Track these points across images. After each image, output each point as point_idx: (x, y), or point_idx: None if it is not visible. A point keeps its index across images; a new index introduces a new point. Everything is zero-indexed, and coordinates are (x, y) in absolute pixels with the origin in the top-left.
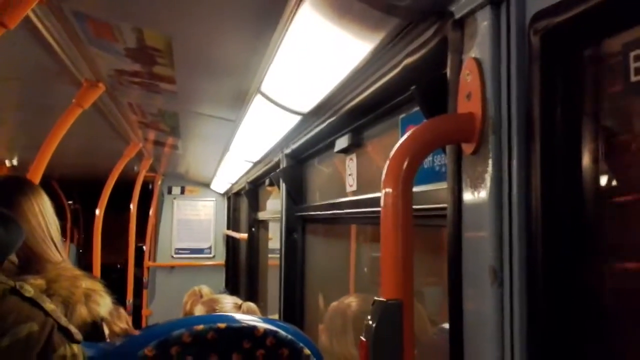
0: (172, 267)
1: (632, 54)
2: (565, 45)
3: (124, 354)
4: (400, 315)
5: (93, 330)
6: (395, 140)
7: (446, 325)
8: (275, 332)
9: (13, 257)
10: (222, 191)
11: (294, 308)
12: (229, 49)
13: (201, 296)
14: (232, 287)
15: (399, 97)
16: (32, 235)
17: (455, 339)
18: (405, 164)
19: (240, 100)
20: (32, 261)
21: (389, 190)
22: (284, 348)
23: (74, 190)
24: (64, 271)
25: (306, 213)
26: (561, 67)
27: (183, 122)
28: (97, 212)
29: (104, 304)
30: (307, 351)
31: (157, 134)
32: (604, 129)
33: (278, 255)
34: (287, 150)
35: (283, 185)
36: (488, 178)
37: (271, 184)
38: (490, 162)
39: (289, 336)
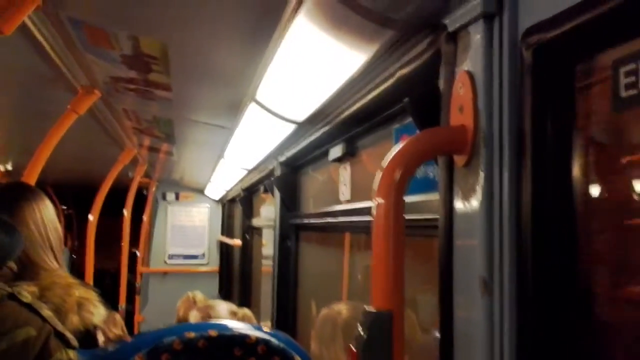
0: (166, 273)
1: (622, 70)
2: (557, 60)
3: None
4: (390, 325)
5: (86, 338)
6: (389, 150)
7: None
8: (268, 340)
9: (11, 263)
10: (216, 198)
11: (287, 315)
12: (224, 57)
13: (195, 302)
14: (225, 293)
15: (393, 108)
16: (31, 242)
17: (445, 347)
18: (398, 174)
19: (235, 108)
20: (27, 268)
21: (380, 200)
22: (276, 356)
23: (68, 195)
24: (58, 279)
25: (300, 221)
26: (553, 82)
27: (178, 128)
28: (91, 217)
29: (98, 313)
30: (298, 359)
31: (152, 140)
32: (595, 143)
33: (271, 262)
34: (282, 158)
35: (277, 193)
36: (479, 190)
37: (265, 191)
38: (481, 174)
39: (281, 344)
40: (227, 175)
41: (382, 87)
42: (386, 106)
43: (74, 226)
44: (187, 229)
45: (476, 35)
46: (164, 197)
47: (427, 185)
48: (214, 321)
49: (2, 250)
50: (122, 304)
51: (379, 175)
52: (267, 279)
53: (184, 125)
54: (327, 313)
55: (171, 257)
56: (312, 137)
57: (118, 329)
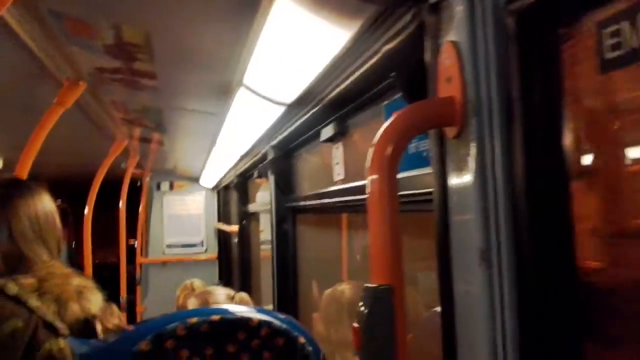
0: (165, 263)
1: (606, 31)
2: (541, 25)
3: (118, 350)
4: (391, 300)
5: (85, 327)
6: (380, 127)
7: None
8: (270, 322)
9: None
10: (211, 186)
11: (288, 298)
12: (208, 41)
13: (193, 289)
14: (225, 280)
15: (381, 84)
16: (24, 236)
17: (447, 320)
18: (389, 149)
19: (223, 93)
20: (21, 262)
21: (374, 176)
22: (279, 337)
23: (62, 190)
24: (55, 269)
25: (296, 204)
26: (538, 47)
27: (167, 117)
28: (86, 210)
29: (95, 300)
30: (302, 339)
31: (142, 131)
32: (584, 107)
33: (269, 247)
34: (274, 142)
35: (271, 177)
36: (471, 160)
37: (260, 176)
38: (472, 144)
39: (284, 325)
40: (220, 162)
41: (368, 64)
42: (374, 83)
43: (69, 220)
44: (183, 217)
45: (458, 5)
46: (158, 187)
47: (419, 160)
48: (215, 306)
49: None
50: (123, 295)
51: (370, 151)
52: (266, 264)
53: (173, 114)
54: (331, 293)
55: (169, 246)
56: (303, 119)
57: (115, 318)
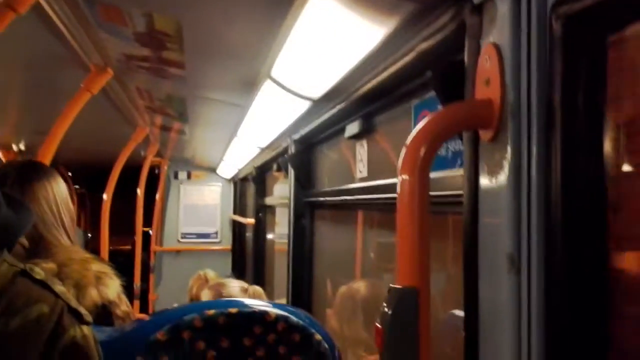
0: (179, 252)
1: None
2: (588, 31)
3: (135, 338)
4: (416, 302)
5: (103, 312)
6: (408, 127)
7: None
8: (287, 317)
9: (23, 241)
10: (228, 177)
11: (302, 293)
12: (239, 33)
13: (207, 280)
14: (238, 272)
15: (412, 83)
16: (43, 219)
17: (470, 326)
18: (423, 150)
19: (249, 85)
20: (41, 245)
21: (405, 177)
22: (295, 333)
23: (80, 175)
24: (74, 254)
25: (315, 199)
26: (583, 54)
27: (191, 107)
28: (105, 197)
29: (113, 286)
30: (318, 336)
31: (164, 119)
32: (627, 116)
33: (284, 241)
34: (296, 136)
35: (291, 171)
36: (506, 165)
37: (279, 169)
38: (509, 148)
39: (300, 321)
40: (239, 153)
41: (401, 62)
42: (406, 81)
43: (87, 206)
44: (199, 207)
45: (503, 6)
46: (175, 176)
47: (448, 161)
48: (229, 299)
49: (10, 227)
50: (137, 282)
51: (403, 151)
52: (281, 257)
53: (197, 104)
54: (346, 291)
55: (184, 235)
56: (328, 114)
57: (124, 305)
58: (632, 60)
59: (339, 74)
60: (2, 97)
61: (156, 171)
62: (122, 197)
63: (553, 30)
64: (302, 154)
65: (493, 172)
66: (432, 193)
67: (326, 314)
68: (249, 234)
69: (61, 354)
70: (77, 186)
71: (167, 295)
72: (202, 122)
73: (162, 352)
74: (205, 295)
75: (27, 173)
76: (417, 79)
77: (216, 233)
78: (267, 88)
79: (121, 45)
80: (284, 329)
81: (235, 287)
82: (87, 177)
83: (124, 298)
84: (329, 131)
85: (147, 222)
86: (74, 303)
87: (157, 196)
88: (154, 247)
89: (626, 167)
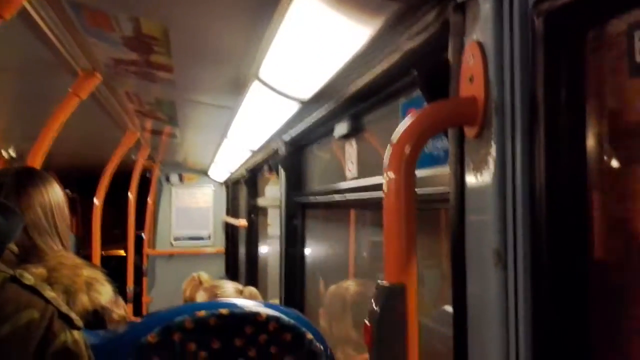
0: (172, 255)
1: (637, 35)
2: (569, 27)
3: (126, 341)
4: (403, 298)
5: (95, 318)
6: (396, 125)
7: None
8: (278, 317)
9: (13, 247)
10: (220, 179)
11: (295, 293)
12: (226, 35)
13: (200, 283)
14: (232, 274)
15: (400, 82)
16: (37, 226)
17: (458, 321)
18: (408, 148)
19: (238, 87)
20: (32, 252)
21: (391, 174)
22: (287, 333)
23: (71, 179)
24: (65, 260)
25: (306, 199)
26: (565, 49)
27: (180, 110)
28: (96, 201)
29: (105, 292)
30: (309, 335)
31: (154, 123)
32: (609, 111)
33: (277, 241)
34: (286, 137)
35: (282, 172)
36: (491, 161)
37: (270, 171)
38: (493, 144)
39: (292, 321)
40: (230, 156)
41: (387, 61)
42: (393, 80)
43: (78, 210)
44: (191, 210)
45: (485, 4)
46: (167, 179)
47: (435, 159)
48: (223, 300)
49: (1, 232)
50: (130, 285)
51: (389, 149)
52: (273, 258)
53: (186, 107)
54: (335, 290)
55: (177, 238)
56: (318, 115)
57: (121, 309)
58: (614, 55)
59: (326, 75)
60: None
61: (147, 175)
62: (114, 202)
63: (535, 27)
64: (292, 155)
65: (478, 168)
66: (422, 190)
67: (319, 313)
68: (241, 236)
69: (52, 359)
70: (68, 191)
71: (161, 297)
72: (192, 125)
73: (153, 354)
74: (201, 297)
75: (23, 179)
76: (404, 78)
77: (209, 236)
78: (255, 89)
79: (109, 50)
80: (275, 328)
81: (230, 289)
82: (78, 182)
83: (121, 302)
84: (319, 131)
85: (140, 225)
86: (64, 308)
87: (149, 199)
88: (146, 250)
89: (608, 162)
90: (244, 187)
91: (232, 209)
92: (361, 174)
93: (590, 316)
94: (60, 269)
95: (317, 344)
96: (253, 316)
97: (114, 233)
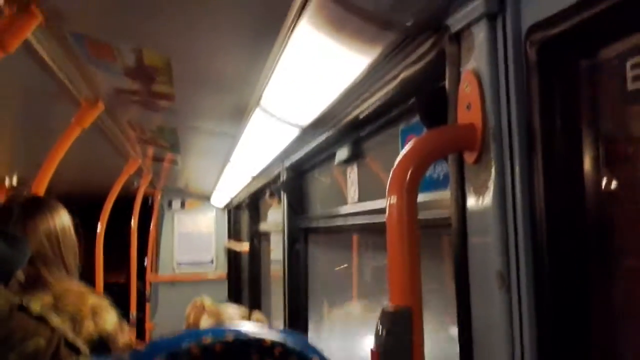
0: (174, 281)
1: (628, 63)
2: (562, 56)
3: None
4: (410, 322)
5: (100, 345)
6: (396, 150)
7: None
8: (283, 343)
9: (20, 275)
10: (222, 205)
11: (298, 318)
12: (228, 64)
13: (203, 307)
14: (235, 298)
15: (398, 109)
16: (43, 256)
17: (464, 344)
18: (409, 173)
19: (239, 114)
20: (38, 280)
21: (393, 199)
22: (293, 357)
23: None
24: (71, 287)
25: (308, 224)
26: (559, 78)
27: (182, 137)
28: (99, 228)
29: (110, 319)
30: (315, 359)
31: (156, 150)
32: (604, 137)
33: (280, 266)
34: (288, 163)
35: (284, 197)
36: (491, 185)
37: (272, 196)
38: (493, 169)
39: (297, 346)
40: (232, 181)
41: (387, 89)
42: (391, 107)
43: (80, 238)
44: (194, 236)
45: (479, 35)
46: (169, 205)
47: (435, 183)
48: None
49: (6, 262)
50: (133, 312)
51: (391, 175)
52: (277, 283)
53: (188, 134)
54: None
55: (180, 264)
56: (318, 141)
57: (126, 336)
58: (608, 83)
59: (326, 102)
60: None
61: (150, 201)
62: (116, 228)
63: (528, 56)
64: (294, 180)
65: (479, 193)
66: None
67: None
68: (244, 261)
69: None
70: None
71: (165, 323)
72: (194, 152)
73: None
74: (205, 322)
75: (30, 208)
76: (403, 105)
77: (212, 261)
78: (257, 117)
79: (111, 80)
80: (281, 353)
81: (234, 313)
82: (80, 209)
83: (126, 328)
84: (320, 157)
85: (142, 252)
86: (70, 336)
87: (152, 226)
88: (149, 276)
89: (606, 184)
90: (245, 212)
91: (234, 234)
92: (362, 198)
93: (593, 336)
94: (67, 297)
95: None
96: (258, 342)
97: (117, 260)
